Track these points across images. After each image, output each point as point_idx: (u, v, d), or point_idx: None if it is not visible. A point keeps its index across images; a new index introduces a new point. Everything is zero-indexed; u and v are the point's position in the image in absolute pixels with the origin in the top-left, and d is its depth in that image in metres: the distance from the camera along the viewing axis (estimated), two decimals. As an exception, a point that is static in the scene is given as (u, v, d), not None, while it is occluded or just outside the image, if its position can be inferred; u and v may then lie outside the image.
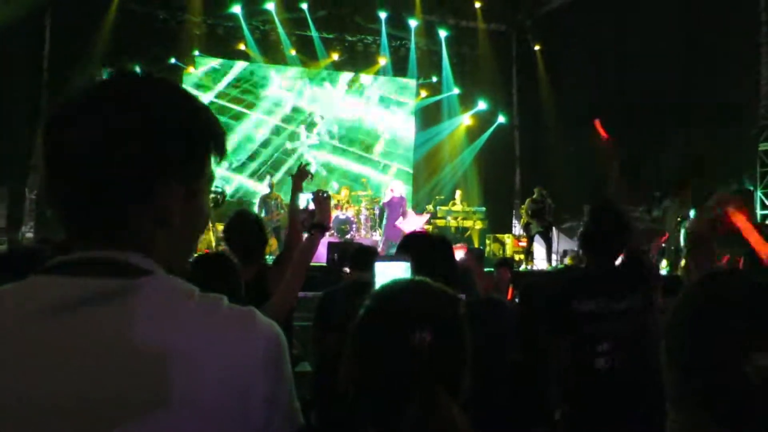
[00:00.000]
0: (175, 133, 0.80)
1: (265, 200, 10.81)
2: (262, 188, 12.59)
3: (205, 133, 0.85)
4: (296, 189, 2.95)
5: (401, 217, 10.99)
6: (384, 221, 11.25)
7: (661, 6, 10.50)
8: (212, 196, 0.92)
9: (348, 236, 10.63)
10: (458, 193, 12.56)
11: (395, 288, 1.11)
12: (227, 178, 13.37)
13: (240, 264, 2.82)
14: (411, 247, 2.10)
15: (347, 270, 3.45)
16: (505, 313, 2.38)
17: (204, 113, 0.86)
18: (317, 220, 2.49)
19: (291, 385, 0.81)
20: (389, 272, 1.52)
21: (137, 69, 0.87)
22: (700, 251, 2.04)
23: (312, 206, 2.57)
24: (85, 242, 0.79)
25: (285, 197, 11.14)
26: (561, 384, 2.54)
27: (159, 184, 0.79)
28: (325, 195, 2.57)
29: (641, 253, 2.73)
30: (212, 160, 0.87)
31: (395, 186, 11.35)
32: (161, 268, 0.79)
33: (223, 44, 13.42)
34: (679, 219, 10.48)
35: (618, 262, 2.67)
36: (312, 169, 3.06)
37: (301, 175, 2.98)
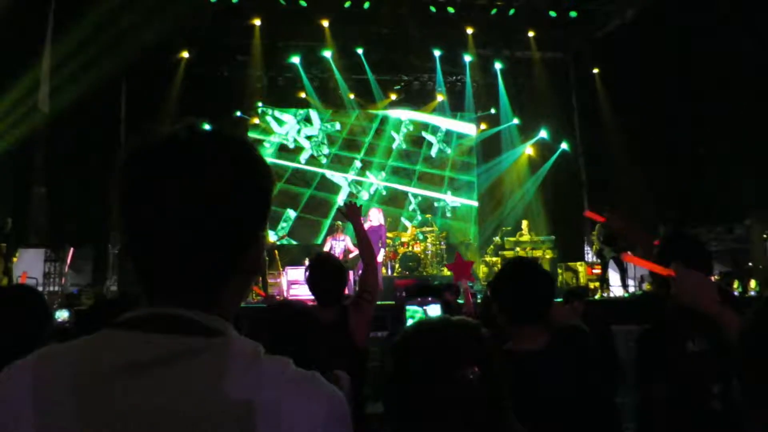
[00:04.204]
0: (258, 191, 0.84)
1: (331, 242, 10.96)
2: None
3: (272, 187, 0.88)
4: (357, 226, 2.99)
5: (381, 248, 10.50)
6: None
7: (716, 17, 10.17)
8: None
9: (415, 272, 10.61)
10: (525, 223, 12.36)
11: (420, 330, 1.20)
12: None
13: (319, 306, 2.89)
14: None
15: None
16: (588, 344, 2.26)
17: (269, 168, 0.89)
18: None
19: None
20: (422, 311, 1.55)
21: (206, 125, 0.90)
22: None
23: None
24: (157, 297, 0.80)
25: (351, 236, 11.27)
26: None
27: (251, 236, 0.83)
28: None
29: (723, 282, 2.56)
30: None
31: (372, 214, 10.69)
32: (230, 326, 0.80)
33: (284, 94, 13.94)
34: (765, 236, 9.92)
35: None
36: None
37: (352, 211, 3.04)
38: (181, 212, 0.76)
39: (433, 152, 14.64)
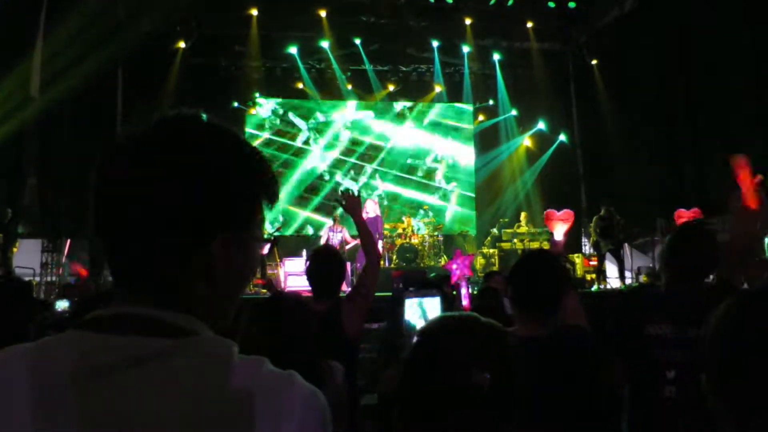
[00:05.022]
0: (223, 182, 0.78)
1: (328, 233, 10.96)
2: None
3: (254, 181, 0.83)
4: (357, 218, 2.99)
5: (378, 240, 10.24)
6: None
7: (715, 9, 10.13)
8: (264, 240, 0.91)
9: (412, 264, 10.62)
10: (523, 215, 12.37)
11: (446, 325, 1.16)
12: (293, 213, 13.70)
13: (313, 298, 2.89)
14: None
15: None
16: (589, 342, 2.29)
17: (254, 160, 0.83)
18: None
19: None
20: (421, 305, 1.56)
21: (202, 115, 0.88)
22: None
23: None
24: (126, 292, 0.78)
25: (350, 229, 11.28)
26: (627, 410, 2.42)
27: (205, 233, 0.76)
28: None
29: (733, 279, 2.57)
30: (263, 205, 0.84)
31: (368, 205, 10.44)
32: (204, 326, 0.77)
33: (281, 84, 13.90)
34: None
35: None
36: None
37: (350, 202, 3.03)
38: (135, 212, 0.75)
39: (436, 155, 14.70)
